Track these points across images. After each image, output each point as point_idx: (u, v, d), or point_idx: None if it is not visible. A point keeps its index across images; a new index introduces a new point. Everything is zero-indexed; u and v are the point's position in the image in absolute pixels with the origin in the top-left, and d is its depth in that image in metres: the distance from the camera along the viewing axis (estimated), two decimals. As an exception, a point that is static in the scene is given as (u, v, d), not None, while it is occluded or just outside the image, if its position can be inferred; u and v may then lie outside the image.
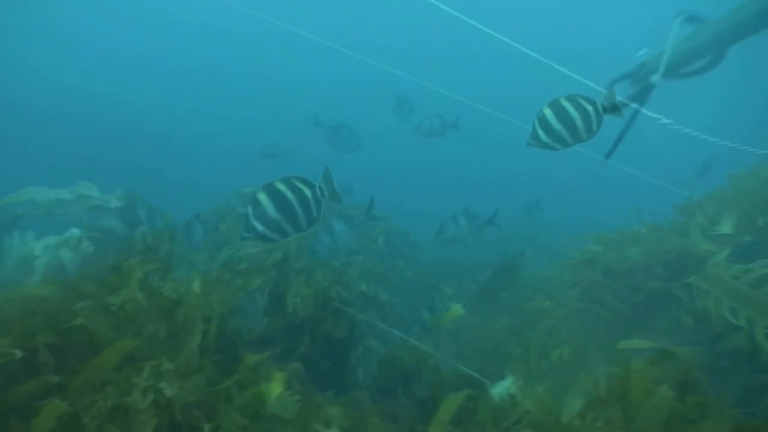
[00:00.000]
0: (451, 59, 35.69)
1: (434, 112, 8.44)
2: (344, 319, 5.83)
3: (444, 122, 8.37)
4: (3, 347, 3.21)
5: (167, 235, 5.86)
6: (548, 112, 2.90)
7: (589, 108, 2.89)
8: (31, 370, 3.33)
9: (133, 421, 3.19)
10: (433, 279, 7.32)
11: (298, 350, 5.45)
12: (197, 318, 4.76)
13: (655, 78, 4.54)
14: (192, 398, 3.52)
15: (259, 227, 2.56)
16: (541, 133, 2.93)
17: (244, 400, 3.86)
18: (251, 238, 2.65)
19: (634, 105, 4.53)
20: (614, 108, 2.96)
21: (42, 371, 3.33)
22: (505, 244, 10.63)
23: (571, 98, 2.93)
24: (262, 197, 2.51)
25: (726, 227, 4.50)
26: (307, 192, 2.55)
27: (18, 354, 3.24)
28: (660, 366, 2.99)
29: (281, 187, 2.51)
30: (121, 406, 3.23)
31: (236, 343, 4.63)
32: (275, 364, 4.58)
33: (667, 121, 5.81)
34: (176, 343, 4.48)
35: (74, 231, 6.46)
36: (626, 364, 2.90)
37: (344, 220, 4.47)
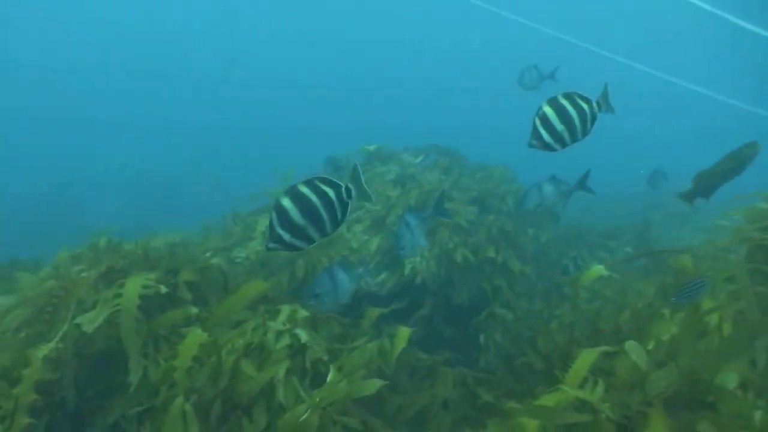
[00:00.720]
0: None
1: (532, 64, 8.26)
2: (469, 284, 6.01)
3: (541, 74, 8.19)
4: (151, 281, 3.74)
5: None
6: (549, 111, 2.91)
7: (586, 107, 2.96)
8: (173, 305, 3.87)
9: (267, 360, 3.61)
10: (563, 246, 7.35)
11: (419, 312, 5.73)
12: (318, 269, 5.22)
13: None
14: (321, 351, 3.89)
15: (286, 236, 2.53)
16: (544, 133, 2.95)
17: (368, 353, 4.19)
18: (277, 249, 2.61)
19: None
20: (608, 106, 3.01)
21: (182, 305, 3.85)
22: (633, 211, 10.47)
23: (568, 96, 2.97)
24: (286, 202, 2.50)
25: None
26: (331, 193, 2.56)
27: (163, 289, 3.78)
28: None
29: (304, 190, 2.53)
30: (256, 344, 3.67)
31: (361, 298, 5.00)
32: (397, 322, 4.92)
33: None
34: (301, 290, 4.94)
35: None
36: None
37: (414, 215, 4.53)
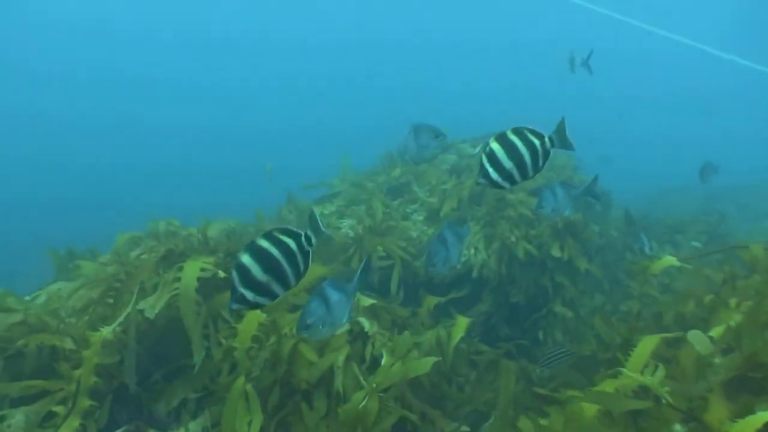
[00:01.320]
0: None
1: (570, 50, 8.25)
2: (527, 280, 6.13)
3: (573, 60, 8.15)
4: (209, 265, 4.08)
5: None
6: (497, 148, 2.98)
7: (537, 143, 3.00)
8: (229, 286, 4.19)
9: (327, 346, 3.88)
10: (628, 239, 7.41)
11: (478, 307, 5.91)
12: (372, 257, 5.49)
13: None
14: (385, 341, 4.14)
15: (249, 295, 2.54)
16: (491, 170, 3.01)
17: (426, 342, 4.44)
18: (241, 309, 2.65)
19: None
20: (564, 142, 3.01)
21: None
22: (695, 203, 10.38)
23: (518, 131, 3.01)
24: (246, 259, 2.51)
25: None
26: (292, 244, 2.61)
27: (221, 274, 4.10)
28: None
29: (264, 244, 2.56)
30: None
31: (417, 285, 5.23)
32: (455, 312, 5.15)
33: None
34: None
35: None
36: None
37: (453, 230, 4.68)
